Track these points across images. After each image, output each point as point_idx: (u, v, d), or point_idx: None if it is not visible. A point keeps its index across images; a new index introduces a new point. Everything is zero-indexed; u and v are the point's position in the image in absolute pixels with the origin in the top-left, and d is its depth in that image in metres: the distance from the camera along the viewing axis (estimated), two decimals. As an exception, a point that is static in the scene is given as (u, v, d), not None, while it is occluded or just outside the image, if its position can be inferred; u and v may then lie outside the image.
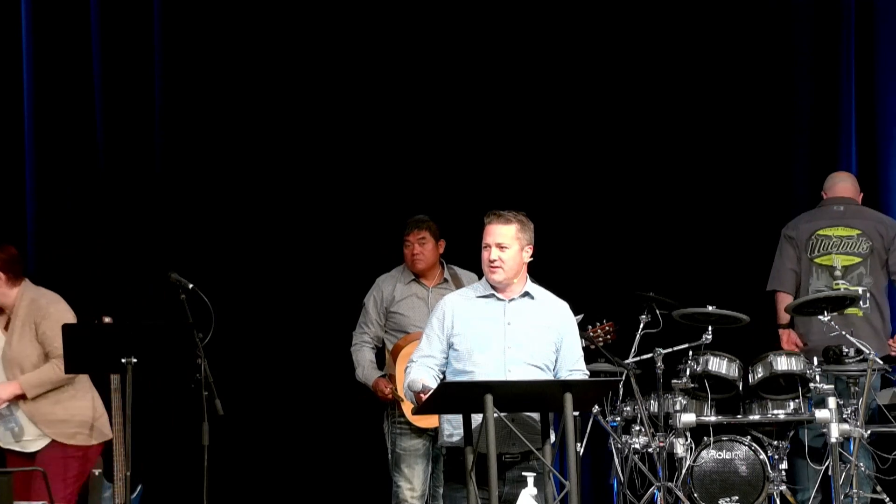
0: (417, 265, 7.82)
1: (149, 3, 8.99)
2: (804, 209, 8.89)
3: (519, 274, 6.29)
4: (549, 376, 6.25)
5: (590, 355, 7.48)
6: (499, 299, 6.29)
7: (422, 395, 6.06)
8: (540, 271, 6.58)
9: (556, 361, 6.29)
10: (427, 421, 7.42)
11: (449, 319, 6.29)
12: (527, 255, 6.28)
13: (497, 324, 6.25)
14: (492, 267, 6.24)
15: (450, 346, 6.28)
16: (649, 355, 8.04)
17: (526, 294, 6.31)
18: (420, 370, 6.24)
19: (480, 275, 6.38)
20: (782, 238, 8.52)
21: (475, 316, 6.27)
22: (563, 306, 6.39)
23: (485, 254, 6.26)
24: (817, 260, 8.39)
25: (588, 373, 6.48)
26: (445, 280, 7.87)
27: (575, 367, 6.32)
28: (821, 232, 8.42)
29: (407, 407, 7.46)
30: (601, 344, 7.83)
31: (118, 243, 8.81)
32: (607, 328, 7.95)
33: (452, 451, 6.29)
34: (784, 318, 8.43)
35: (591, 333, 7.88)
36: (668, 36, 9.34)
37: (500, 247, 6.22)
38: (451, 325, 6.28)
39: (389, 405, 7.74)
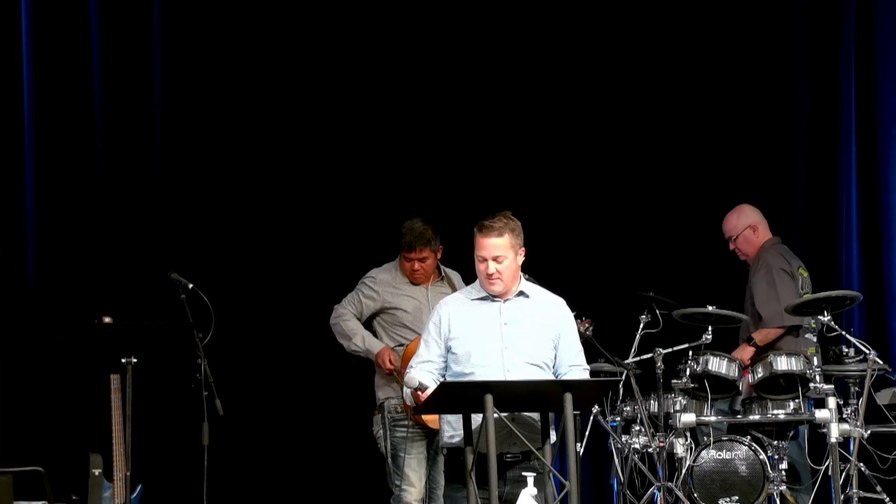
0: (418, 281, 7.77)
1: (149, 3, 8.99)
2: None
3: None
4: (548, 374, 6.25)
5: (590, 356, 7.46)
6: (494, 300, 6.29)
7: (419, 392, 6.07)
8: (540, 271, 6.58)
9: (555, 358, 6.30)
10: (434, 421, 7.39)
11: (446, 324, 6.30)
12: (520, 259, 6.28)
13: (493, 325, 6.25)
14: (490, 280, 6.23)
15: (448, 349, 6.28)
16: (649, 355, 8.03)
17: (521, 293, 6.31)
18: (418, 373, 6.24)
19: (463, 275, 6.36)
20: (781, 273, 8.32)
21: (471, 318, 6.27)
22: (558, 302, 6.39)
23: (481, 267, 6.24)
24: (804, 297, 8.34)
25: (588, 367, 6.48)
26: (441, 278, 7.84)
27: (574, 363, 6.32)
28: (800, 270, 8.42)
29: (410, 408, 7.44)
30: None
31: (118, 243, 8.79)
32: (586, 325, 7.84)
33: (452, 452, 6.29)
34: (767, 342, 8.34)
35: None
36: (668, 36, 9.34)
37: (497, 259, 6.22)
38: (447, 329, 6.29)
39: (380, 407, 7.71)
